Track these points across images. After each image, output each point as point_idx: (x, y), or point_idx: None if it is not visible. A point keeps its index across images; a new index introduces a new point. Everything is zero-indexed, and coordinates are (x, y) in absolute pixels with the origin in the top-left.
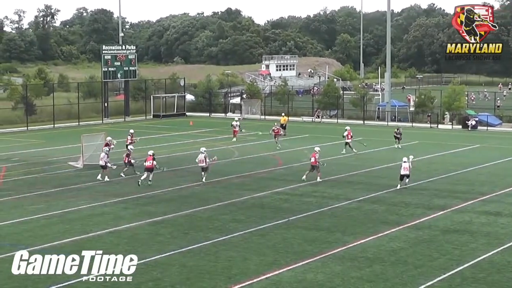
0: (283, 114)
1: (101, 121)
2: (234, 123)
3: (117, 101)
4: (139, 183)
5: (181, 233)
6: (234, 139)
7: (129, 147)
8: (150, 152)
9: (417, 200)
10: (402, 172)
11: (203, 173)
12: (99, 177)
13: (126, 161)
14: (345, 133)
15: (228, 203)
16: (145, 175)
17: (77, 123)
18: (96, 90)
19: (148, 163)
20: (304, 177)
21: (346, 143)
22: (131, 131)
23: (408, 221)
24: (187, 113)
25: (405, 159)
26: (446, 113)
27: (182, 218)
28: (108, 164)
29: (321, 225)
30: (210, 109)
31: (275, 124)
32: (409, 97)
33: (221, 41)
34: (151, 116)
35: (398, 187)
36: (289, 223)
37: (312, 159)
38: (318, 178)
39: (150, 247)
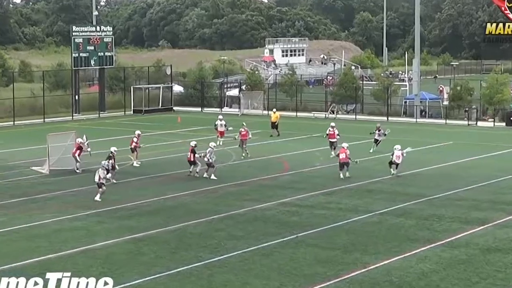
0: (274, 110)
1: (71, 117)
2: (218, 122)
3: (90, 94)
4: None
5: (168, 252)
6: (220, 141)
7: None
8: (192, 144)
9: (452, 213)
10: (394, 160)
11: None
12: (97, 197)
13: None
14: (375, 131)
15: (224, 216)
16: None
17: (42, 120)
18: (65, 80)
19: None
20: (341, 175)
21: (376, 141)
22: (138, 132)
23: (442, 238)
24: (175, 108)
25: (397, 146)
26: (487, 107)
27: (169, 235)
28: (108, 177)
29: (336, 242)
30: (202, 103)
31: (243, 125)
32: (441, 88)
33: (216, 21)
34: (131, 112)
35: (392, 172)
36: (298, 240)
37: (342, 155)
38: (347, 173)
39: (130, 269)
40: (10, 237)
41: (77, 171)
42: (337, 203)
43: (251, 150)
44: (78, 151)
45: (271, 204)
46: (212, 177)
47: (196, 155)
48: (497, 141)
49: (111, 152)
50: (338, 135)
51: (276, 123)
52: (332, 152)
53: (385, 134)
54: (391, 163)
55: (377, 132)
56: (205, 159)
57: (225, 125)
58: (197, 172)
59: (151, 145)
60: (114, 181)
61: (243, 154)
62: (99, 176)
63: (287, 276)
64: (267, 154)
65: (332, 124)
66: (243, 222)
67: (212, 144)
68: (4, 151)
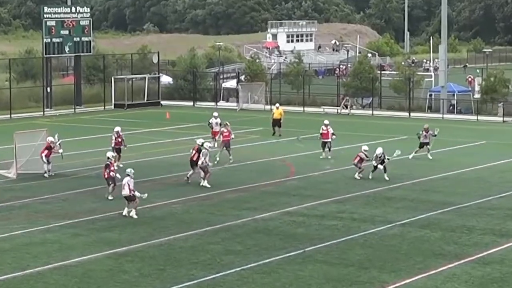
0: (277, 105)
1: (42, 112)
2: (212, 120)
3: (64, 85)
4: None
5: (154, 269)
6: (215, 143)
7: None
8: (199, 142)
9: (485, 224)
10: (375, 164)
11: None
12: (125, 212)
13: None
14: (422, 132)
15: (220, 227)
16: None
17: (9, 116)
18: (35, 70)
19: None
20: (370, 176)
21: (422, 145)
22: (117, 129)
23: (472, 253)
24: (162, 102)
25: (380, 149)
26: None
27: (156, 249)
28: (137, 193)
29: (349, 258)
30: (194, 96)
31: (227, 124)
32: (470, 79)
33: (210, 1)
34: (112, 106)
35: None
36: (305, 255)
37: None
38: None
39: None
40: None
41: (45, 175)
42: (350, 212)
43: (251, 150)
44: (46, 151)
45: (274, 213)
46: (205, 184)
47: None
48: None
49: (108, 158)
50: (333, 134)
51: (280, 120)
52: (323, 153)
53: (435, 135)
54: (375, 168)
55: (424, 133)
56: (200, 162)
57: (220, 124)
58: (187, 177)
59: (135, 145)
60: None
61: (230, 157)
62: (129, 187)
63: None
64: (270, 155)
65: (326, 122)
66: (242, 235)
67: (207, 145)
68: None
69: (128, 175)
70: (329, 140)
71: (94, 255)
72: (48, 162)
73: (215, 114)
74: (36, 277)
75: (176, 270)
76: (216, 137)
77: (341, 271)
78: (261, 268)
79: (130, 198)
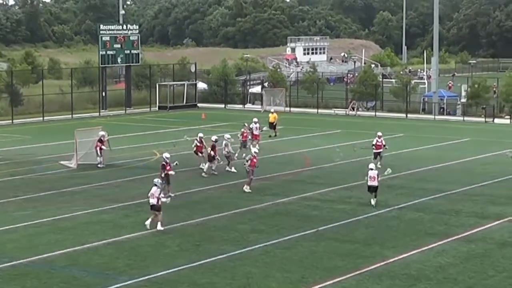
0: (272, 110)
1: (98, 113)
2: (253, 125)
3: (116, 90)
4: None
5: (192, 245)
6: (257, 146)
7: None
8: (213, 138)
9: (469, 208)
10: (370, 183)
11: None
12: (147, 222)
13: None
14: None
15: (246, 210)
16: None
17: (70, 116)
18: (92, 77)
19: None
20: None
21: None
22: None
23: (459, 232)
24: (199, 104)
25: (371, 165)
26: (504, 105)
27: (193, 228)
28: (163, 199)
29: (356, 236)
30: (225, 100)
31: (245, 125)
32: (450, 84)
33: (239, 20)
34: (157, 108)
35: (372, 202)
36: (319, 234)
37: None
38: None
39: (155, 261)
40: (38, 230)
41: (99, 165)
42: (357, 198)
43: (273, 146)
44: (99, 144)
45: (293, 198)
46: (233, 169)
47: (229, 149)
48: None
49: (164, 158)
50: (385, 146)
51: (274, 124)
52: (374, 161)
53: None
54: (369, 188)
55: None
56: (224, 152)
57: (259, 128)
58: (213, 170)
59: (176, 140)
60: (172, 195)
61: (244, 153)
62: (153, 195)
63: (308, 269)
64: (290, 149)
65: (379, 133)
66: (265, 217)
67: (226, 136)
68: (33, 146)
69: (156, 185)
70: (381, 150)
71: (141, 232)
72: (100, 155)
73: (255, 120)
74: (93, 251)
75: (209, 246)
76: (256, 141)
77: (348, 247)
78: (281, 244)
79: (156, 208)
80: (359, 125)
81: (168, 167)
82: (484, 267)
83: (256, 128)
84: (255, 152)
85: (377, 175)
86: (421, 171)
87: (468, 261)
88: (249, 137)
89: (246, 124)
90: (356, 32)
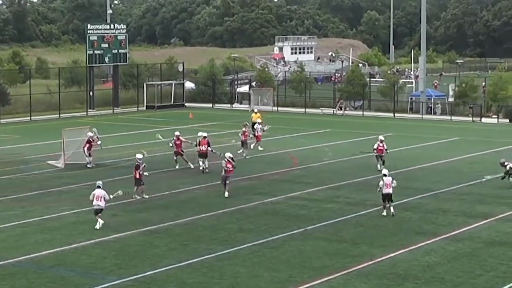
0: (255, 110)
1: (86, 113)
2: (257, 126)
3: (104, 90)
4: (203, 171)
5: (180, 244)
6: (259, 146)
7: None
8: (204, 134)
9: (457, 207)
10: (385, 191)
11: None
12: (97, 226)
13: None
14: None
15: (234, 209)
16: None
17: (58, 116)
18: (80, 77)
19: (202, 148)
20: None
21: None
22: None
23: (446, 231)
24: (186, 104)
25: (385, 171)
26: (491, 104)
27: (181, 227)
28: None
29: (344, 236)
30: (213, 99)
31: (246, 124)
32: (435, 83)
33: (227, 19)
34: (144, 107)
35: (384, 213)
36: (307, 233)
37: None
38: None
39: (142, 261)
40: (26, 229)
41: (88, 165)
42: (345, 197)
43: (260, 145)
44: (87, 145)
45: (280, 198)
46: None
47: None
48: (501, 137)
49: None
50: (386, 150)
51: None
52: (378, 165)
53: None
54: (384, 197)
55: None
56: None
57: (262, 129)
58: (207, 168)
59: (163, 139)
60: (146, 196)
61: (244, 152)
62: (99, 197)
63: (295, 268)
64: (277, 149)
65: (381, 137)
66: (253, 216)
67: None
68: (21, 146)
69: (99, 186)
70: (383, 154)
71: (129, 232)
72: (89, 155)
73: (259, 120)
74: (81, 251)
75: (198, 245)
76: (258, 142)
77: (336, 246)
78: (269, 243)
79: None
80: (347, 124)
81: (140, 168)
82: (472, 266)
83: (260, 129)
84: (260, 148)
85: (391, 181)
86: (409, 170)
87: (455, 260)
88: (250, 135)
89: (247, 124)
90: (344, 32)
